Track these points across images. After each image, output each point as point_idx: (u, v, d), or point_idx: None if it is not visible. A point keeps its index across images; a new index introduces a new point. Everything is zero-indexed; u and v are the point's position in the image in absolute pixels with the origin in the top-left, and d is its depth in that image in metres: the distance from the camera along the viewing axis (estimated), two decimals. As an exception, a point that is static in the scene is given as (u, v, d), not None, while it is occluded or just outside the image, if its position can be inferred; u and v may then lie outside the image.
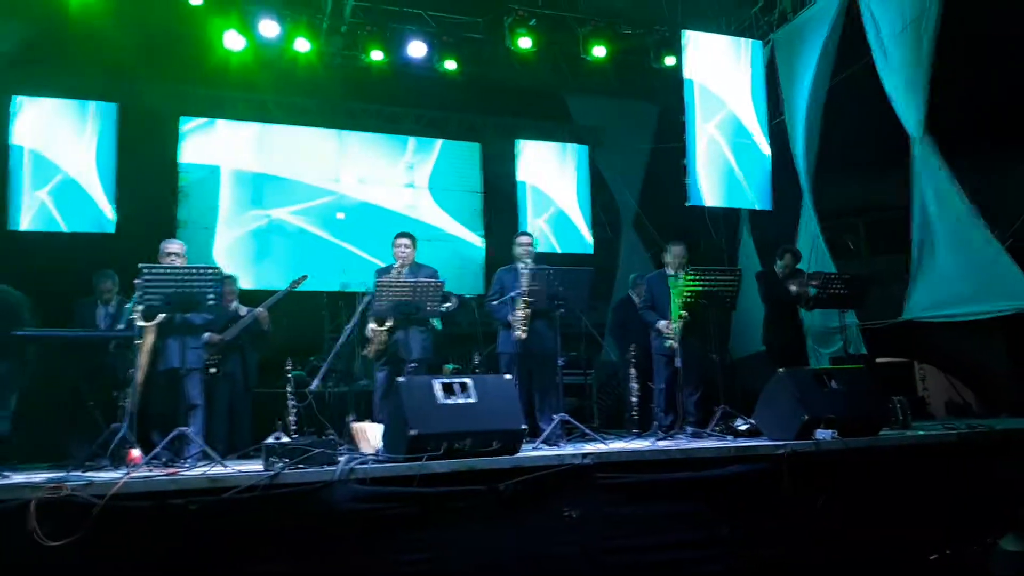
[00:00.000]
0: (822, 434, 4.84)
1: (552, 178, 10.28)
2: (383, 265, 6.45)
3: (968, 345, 7.50)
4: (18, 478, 4.11)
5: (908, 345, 7.93)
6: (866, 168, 8.86)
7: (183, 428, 4.83)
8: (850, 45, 7.86)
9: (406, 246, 6.14)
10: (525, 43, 8.66)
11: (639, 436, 6.27)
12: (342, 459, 4.12)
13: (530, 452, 4.72)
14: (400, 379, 4.65)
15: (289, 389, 5.83)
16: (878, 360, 7.93)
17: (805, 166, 8.37)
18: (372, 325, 5.98)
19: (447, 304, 5.92)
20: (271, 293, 6.82)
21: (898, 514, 4.70)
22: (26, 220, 8.04)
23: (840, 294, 6.52)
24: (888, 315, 7.69)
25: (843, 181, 8.90)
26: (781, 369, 5.37)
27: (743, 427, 5.69)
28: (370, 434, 5.10)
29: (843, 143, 8.29)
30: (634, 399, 6.68)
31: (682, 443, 5.31)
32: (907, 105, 7.28)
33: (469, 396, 4.51)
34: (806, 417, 4.92)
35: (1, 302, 5.84)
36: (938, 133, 7.24)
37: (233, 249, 9.16)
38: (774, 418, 5.21)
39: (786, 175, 8.54)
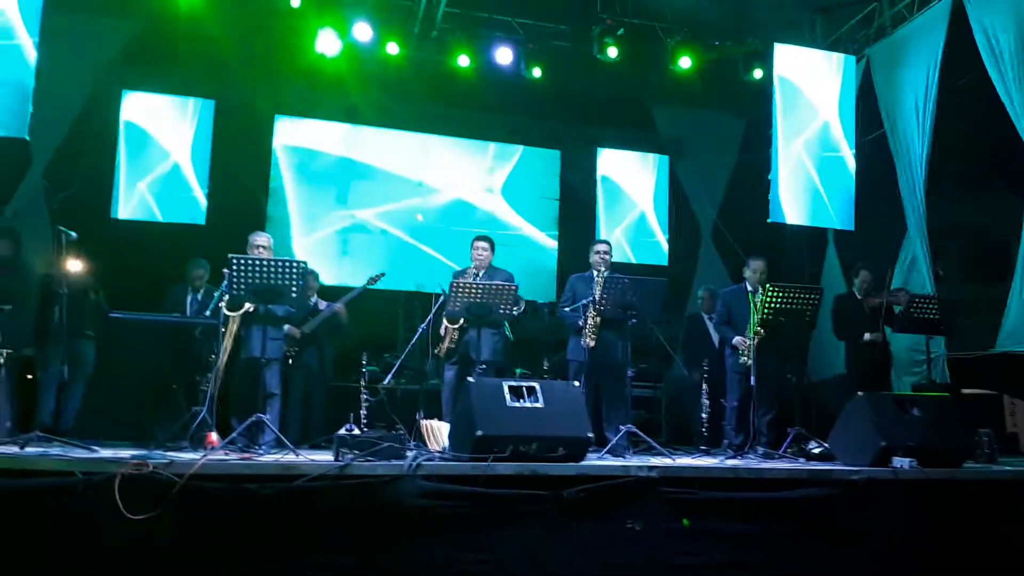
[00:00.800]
0: (900, 462, 4.66)
1: (631, 188, 10.20)
2: (458, 268, 6.54)
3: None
4: (105, 453, 4.32)
5: (998, 378, 7.55)
6: (967, 190, 8.47)
7: (260, 415, 4.98)
8: (958, 59, 7.53)
9: (484, 249, 6.22)
10: (612, 52, 8.65)
11: (708, 453, 6.16)
12: (410, 454, 4.18)
13: (595, 461, 4.70)
14: (470, 379, 4.71)
15: (363, 383, 5.97)
16: (964, 391, 7.59)
17: (910, 185, 8.01)
18: (445, 323, 6.08)
19: (516, 308, 5.95)
20: (349, 290, 6.99)
21: (979, 552, 4.49)
22: (126, 209, 8.45)
23: (930, 319, 6.25)
24: (977, 345, 7.35)
25: (937, 203, 8.54)
26: (860, 393, 5.20)
27: (817, 450, 5.53)
28: (438, 432, 5.18)
29: (943, 163, 7.95)
30: (704, 415, 6.57)
31: (752, 463, 5.20)
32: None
33: (537, 401, 4.53)
34: (884, 443, 4.74)
35: (78, 289, 6.10)
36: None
37: (316, 245, 9.42)
38: (850, 443, 5.04)
39: (875, 194, 8.27)
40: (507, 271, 6.29)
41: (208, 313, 5.90)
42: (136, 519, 3.55)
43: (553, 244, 10.25)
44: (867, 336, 6.56)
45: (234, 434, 4.88)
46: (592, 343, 5.92)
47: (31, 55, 6.14)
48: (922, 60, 7.82)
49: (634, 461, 5.00)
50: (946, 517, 4.54)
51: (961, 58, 7.43)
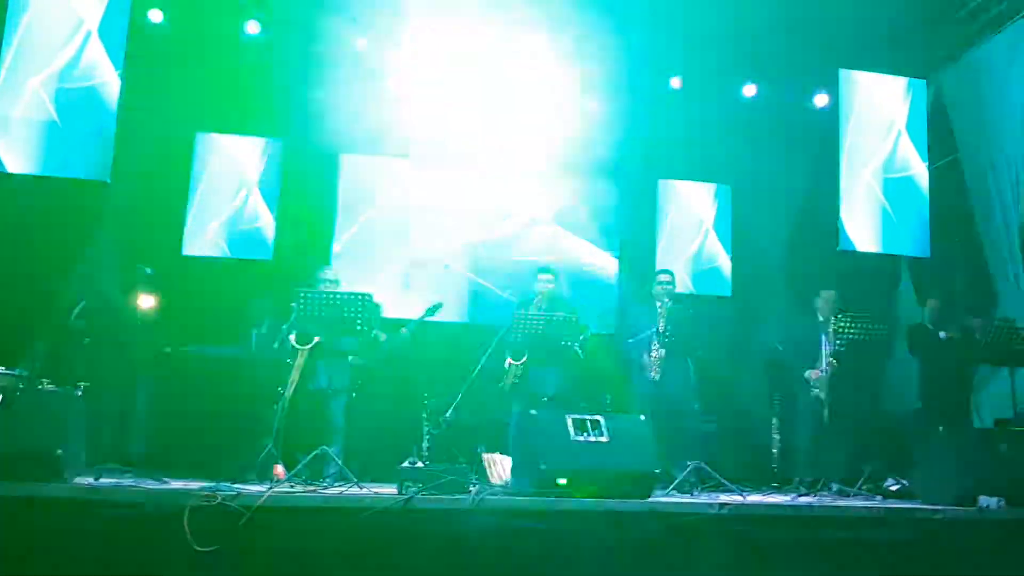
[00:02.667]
0: (987, 501, 4.42)
1: (692, 218, 10.07)
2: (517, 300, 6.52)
3: None
4: (176, 484, 4.40)
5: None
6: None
7: (325, 447, 5.02)
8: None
9: (548, 281, 6.21)
10: (675, 82, 8.60)
11: (779, 490, 5.96)
12: (473, 488, 4.15)
13: (662, 498, 4.58)
14: (533, 412, 4.66)
15: (424, 416, 5.97)
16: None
17: (999, 210, 7.70)
18: (509, 359, 6.05)
19: (582, 337, 5.88)
20: (408, 322, 7.02)
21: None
22: (196, 246, 8.71)
23: (1019, 350, 5.95)
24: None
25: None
26: (942, 427, 4.97)
27: (894, 487, 5.31)
28: (500, 466, 5.12)
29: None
30: (775, 451, 6.37)
31: (826, 500, 5.00)
32: None
33: (602, 435, 4.46)
34: (969, 481, 4.51)
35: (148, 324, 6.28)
36: None
37: (379, 279, 9.52)
38: (931, 480, 4.83)
39: (947, 221, 7.98)
40: (570, 302, 6.25)
41: (276, 346, 5.99)
42: (204, 551, 3.59)
43: (614, 275, 10.16)
44: (942, 335, 6.23)
45: (299, 466, 4.92)
46: (657, 376, 5.81)
47: (115, 90, 6.41)
48: (1010, 81, 7.54)
49: (703, 498, 4.86)
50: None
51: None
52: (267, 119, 9.20)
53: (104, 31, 6.53)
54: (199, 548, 3.59)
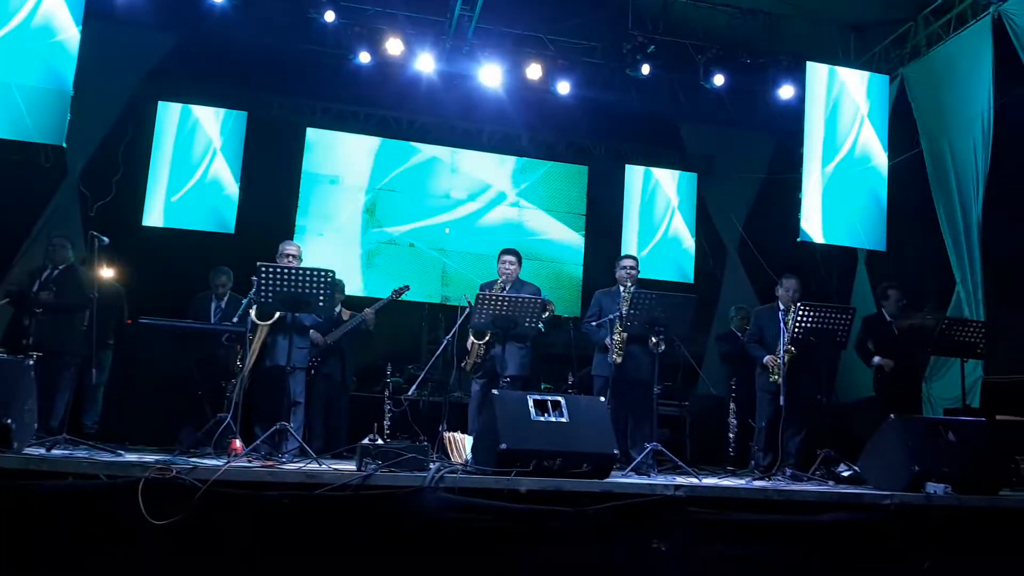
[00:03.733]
0: (934, 488, 4.54)
1: (658, 204, 10.15)
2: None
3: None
4: (130, 457, 4.34)
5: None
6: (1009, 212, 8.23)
7: (284, 423, 4.98)
8: (1008, 77, 7.37)
9: (511, 263, 6.20)
10: (644, 69, 8.64)
11: (734, 474, 6.06)
12: (432, 466, 4.15)
13: (620, 479, 4.63)
14: (495, 392, 4.67)
15: (386, 394, 5.96)
16: (998, 417, 7.41)
17: (958, 207, 7.84)
18: (471, 338, 6.05)
19: (545, 314, 5.88)
20: (374, 300, 6.99)
21: (1015, 583, 4.35)
22: (156, 217, 8.56)
23: (968, 342, 6.08)
24: (1013, 370, 7.18)
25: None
26: (892, 415, 5.09)
27: (846, 473, 5.42)
28: (461, 445, 5.14)
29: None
30: (732, 435, 6.47)
31: (780, 485, 5.10)
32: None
33: (562, 416, 4.48)
34: (917, 468, 4.63)
35: (108, 295, 6.19)
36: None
37: (343, 256, 9.46)
38: (882, 467, 4.93)
39: (907, 216, 8.13)
40: (534, 285, 6.27)
41: (235, 320, 5.92)
42: (158, 524, 3.55)
43: (579, 259, 10.22)
44: (876, 360, 6.43)
45: (257, 441, 4.89)
46: (619, 359, 5.86)
47: (74, 46, 6.23)
48: (972, 79, 7.65)
49: (659, 480, 4.92)
50: (980, 545, 4.41)
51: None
52: (233, 91, 9.06)
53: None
54: (153, 521, 3.55)
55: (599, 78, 9.17)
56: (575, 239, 10.27)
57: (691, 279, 9.95)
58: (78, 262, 6.21)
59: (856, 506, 4.42)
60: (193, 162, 8.71)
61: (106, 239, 5.22)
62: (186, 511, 3.59)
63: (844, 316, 5.75)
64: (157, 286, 7.56)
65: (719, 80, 8.80)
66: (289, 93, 9.48)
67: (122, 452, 4.61)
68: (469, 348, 6.10)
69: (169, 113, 8.74)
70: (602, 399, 5.11)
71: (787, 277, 6.25)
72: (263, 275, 4.99)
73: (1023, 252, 7.44)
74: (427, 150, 9.99)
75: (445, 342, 6.18)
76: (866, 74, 8.36)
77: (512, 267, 6.20)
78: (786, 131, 9.07)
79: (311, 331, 6.06)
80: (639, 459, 5.38)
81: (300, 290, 5.00)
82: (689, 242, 10.09)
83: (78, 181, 8.34)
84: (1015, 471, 5.35)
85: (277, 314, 5.43)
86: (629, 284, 6.13)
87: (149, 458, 4.25)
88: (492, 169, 10.18)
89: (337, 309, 6.92)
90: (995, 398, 7.31)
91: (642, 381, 5.85)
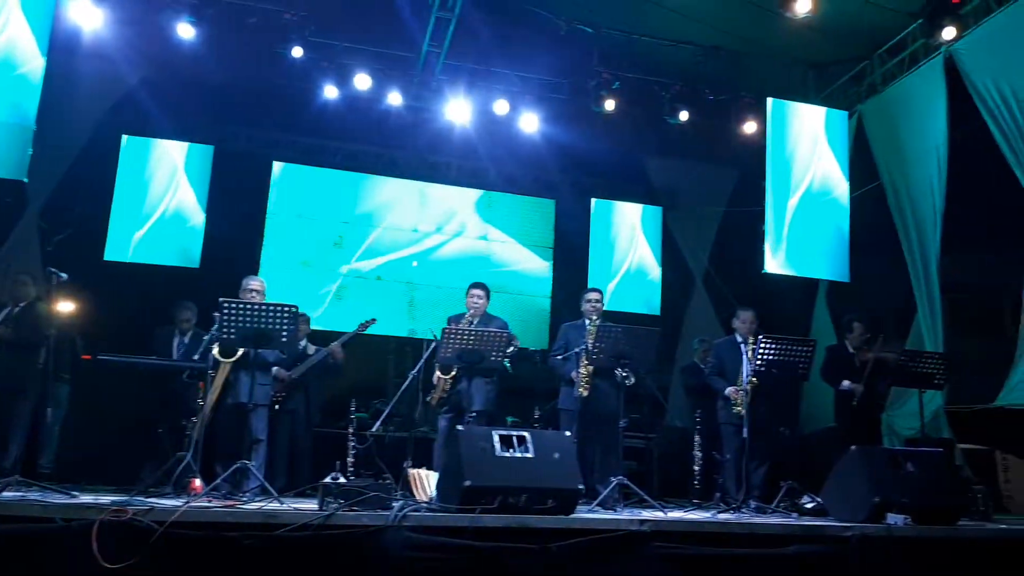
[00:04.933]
0: (894, 519, 4.59)
1: (624, 238, 10.26)
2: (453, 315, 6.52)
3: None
4: (85, 498, 4.24)
5: (994, 433, 7.49)
6: (964, 244, 8.39)
7: (245, 461, 4.91)
8: (960, 114, 7.56)
9: (479, 297, 6.21)
10: (609, 105, 8.80)
11: (700, 507, 6.07)
12: (396, 504, 4.11)
13: (585, 514, 4.62)
14: (459, 428, 4.65)
15: (351, 430, 5.90)
16: (961, 446, 7.52)
17: (918, 239, 8.00)
18: (438, 373, 6.04)
19: (510, 348, 5.88)
20: (340, 334, 6.95)
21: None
22: (119, 251, 8.44)
23: (925, 372, 6.18)
24: (973, 400, 7.31)
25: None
26: (853, 447, 5.15)
27: (810, 505, 5.46)
28: (426, 481, 5.09)
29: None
30: (696, 468, 6.49)
31: (744, 518, 5.12)
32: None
33: (527, 451, 4.46)
34: (877, 499, 4.68)
35: (63, 328, 6.08)
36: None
37: (309, 290, 9.40)
38: (843, 498, 4.97)
39: (868, 247, 8.29)
40: (501, 319, 6.28)
41: (197, 356, 5.84)
42: (113, 568, 3.46)
43: (548, 291, 10.27)
44: (845, 384, 6.50)
45: (218, 480, 4.80)
46: (585, 393, 5.87)
47: (38, 78, 6.18)
48: (926, 115, 7.87)
49: (625, 515, 4.92)
50: (939, 573, 4.45)
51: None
52: (199, 125, 9.02)
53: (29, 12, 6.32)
54: (108, 565, 3.46)
55: (565, 113, 9.30)
56: (543, 271, 10.33)
57: (658, 311, 10.03)
58: (36, 298, 6.10)
59: (819, 538, 4.44)
60: (158, 196, 8.63)
61: (64, 275, 5.15)
62: (141, 555, 3.51)
63: (805, 348, 5.82)
64: (119, 321, 7.44)
65: (683, 116, 8.98)
66: (256, 126, 9.48)
67: (77, 493, 4.49)
68: (435, 383, 6.08)
69: (134, 147, 8.67)
70: (567, 433, 5.10)
71: (743, 309, 6.34)
72: (225, 310, 4.94)
73: (981, 283, 7.62)
74: (394, 183, 10.01)
75: (411, 376, 6.16)
76: (824, 109, 8.56)
77: (480, 301, 6.21)
78: (749, 165, 9.24)
79: (275, 367, 6.00)
80: (605, 493, 5.37)
81: (263, 325, 4.96)
82: (655, 274, 10.18)
83: (38, 217, 8.22)
84: (973, 501, 5.44)
85: (240, 351, 5.37)
86: (595, 317, 6.17)
87: (105, 499, 4.15)
88: (459, 202, 10.22)
89: (302, 344, 6.87)
90: (956, 428, 7.44)
91: (609, 415, 5.86)
